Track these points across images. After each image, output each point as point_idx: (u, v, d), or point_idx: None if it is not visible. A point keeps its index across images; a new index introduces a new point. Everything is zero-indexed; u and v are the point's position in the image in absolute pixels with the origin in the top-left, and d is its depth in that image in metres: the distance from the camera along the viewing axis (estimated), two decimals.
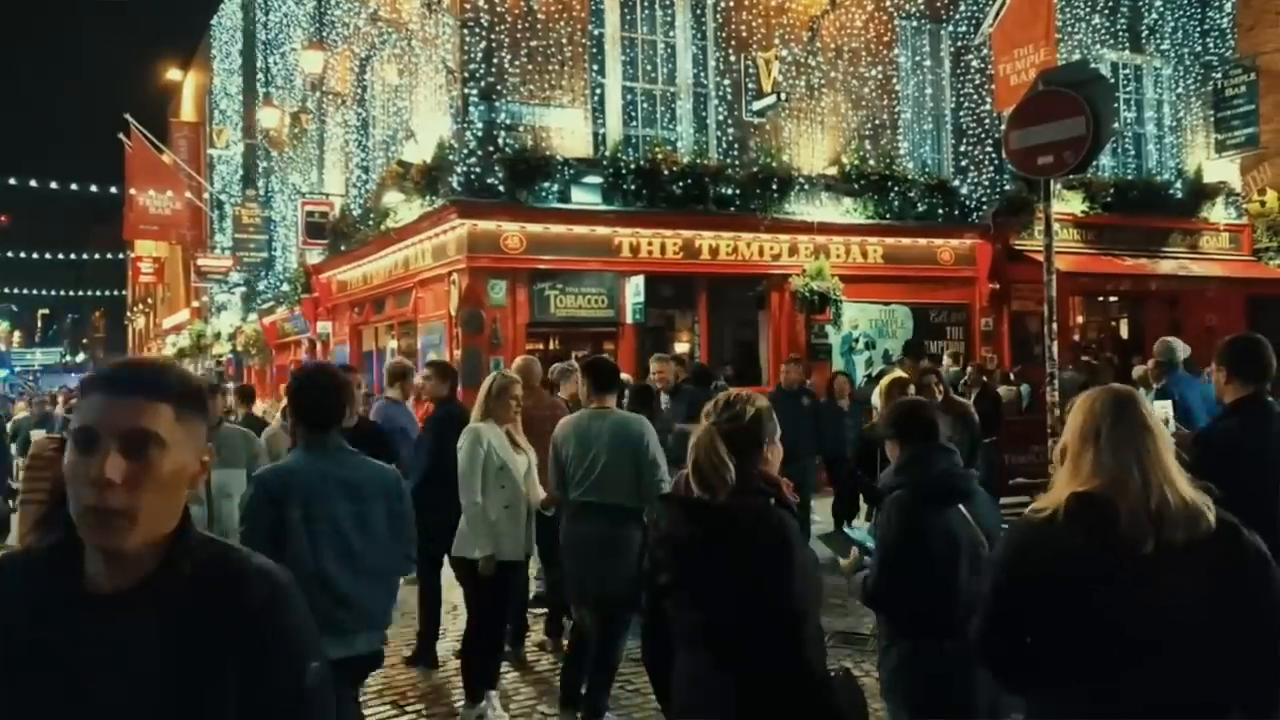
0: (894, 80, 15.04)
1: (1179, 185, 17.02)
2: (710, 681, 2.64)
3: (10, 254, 45.09)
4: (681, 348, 14.08)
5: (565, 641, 6.12)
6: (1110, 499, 2.23)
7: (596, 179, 12.91)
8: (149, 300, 46.44)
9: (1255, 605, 2.19)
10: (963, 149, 15.46)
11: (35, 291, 61.31)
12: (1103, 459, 2.27)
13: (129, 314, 54.00)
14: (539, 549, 5.80)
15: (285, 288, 20.85)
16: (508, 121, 12.62)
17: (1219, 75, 17.30)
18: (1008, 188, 15.36)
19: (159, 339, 41.23)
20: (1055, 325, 6.85)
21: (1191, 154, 17.27)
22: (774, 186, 13.84)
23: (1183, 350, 7.95)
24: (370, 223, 15.46)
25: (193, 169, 28.47)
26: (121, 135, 26.92)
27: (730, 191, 13.59)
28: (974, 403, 9.01)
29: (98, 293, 59.70)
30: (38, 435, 7.00)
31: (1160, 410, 5.95)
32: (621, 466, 4.98)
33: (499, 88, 12.60)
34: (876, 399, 11.93)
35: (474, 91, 12.49)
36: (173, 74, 34.94)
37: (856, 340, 14.80)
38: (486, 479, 5.23)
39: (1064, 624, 2.23)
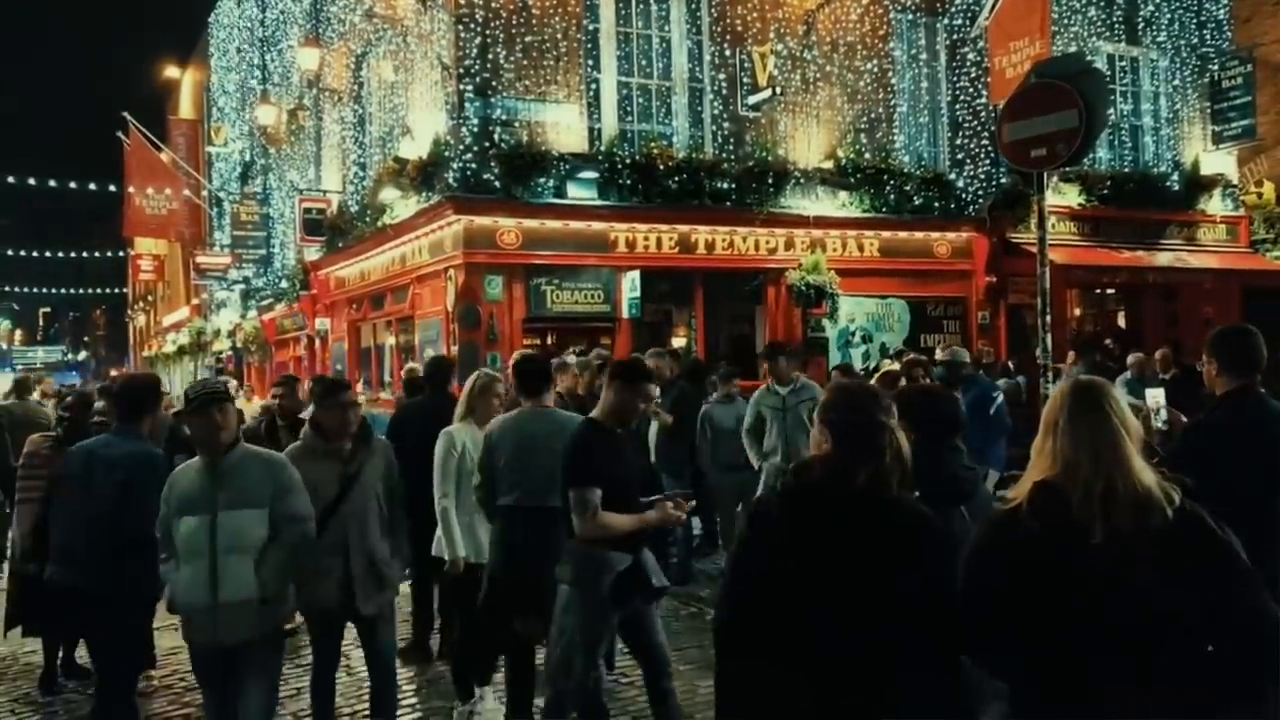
0: (890, 74, 15.04)
1: (1176, 177, 17.01)
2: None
3: (11, 252, 45.12)
4: (678, 342, 14.09)
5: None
6: (1062, 486, 2.25)
7: (592, 174, 12.91)
8: (149, 298, 46.48)
9: (1222, 601, 2.18)
10: (959, 142, 15.46)
11: (37, 290, 61.37)
12: (1059, 446, 2.30)
13: (129, 311, 54.03)
14: None
15: (284, 285, 20.87)
16: (503, 117, 12.63)
17: (1216, 67, 17.28)
18: (1004, 181, 15.36)
19: (159, 336, 41.26)
20: (1050, 318, 6.85)
21: (1188, 146, 17.26)
22: (770, 181, 13.84)
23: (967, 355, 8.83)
24: (367, 219, 15.47)
25: (191, 166, 28.49)
26: (120, 134, 26.97)
27: (726, 186, 13.59)
28: None
29: (98, 290, 59.77)
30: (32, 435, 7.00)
31: (1152, 401, 5.97)
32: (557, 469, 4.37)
33: (494, 83, 12.60)
34: None
35: (469, 87, 12.49)
36: (171, 71, 34.92)
37: (853, 334, 14.81)
38: (460, 481, 5.25)
39: (1029, 612, 2.25)
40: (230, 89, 27.26)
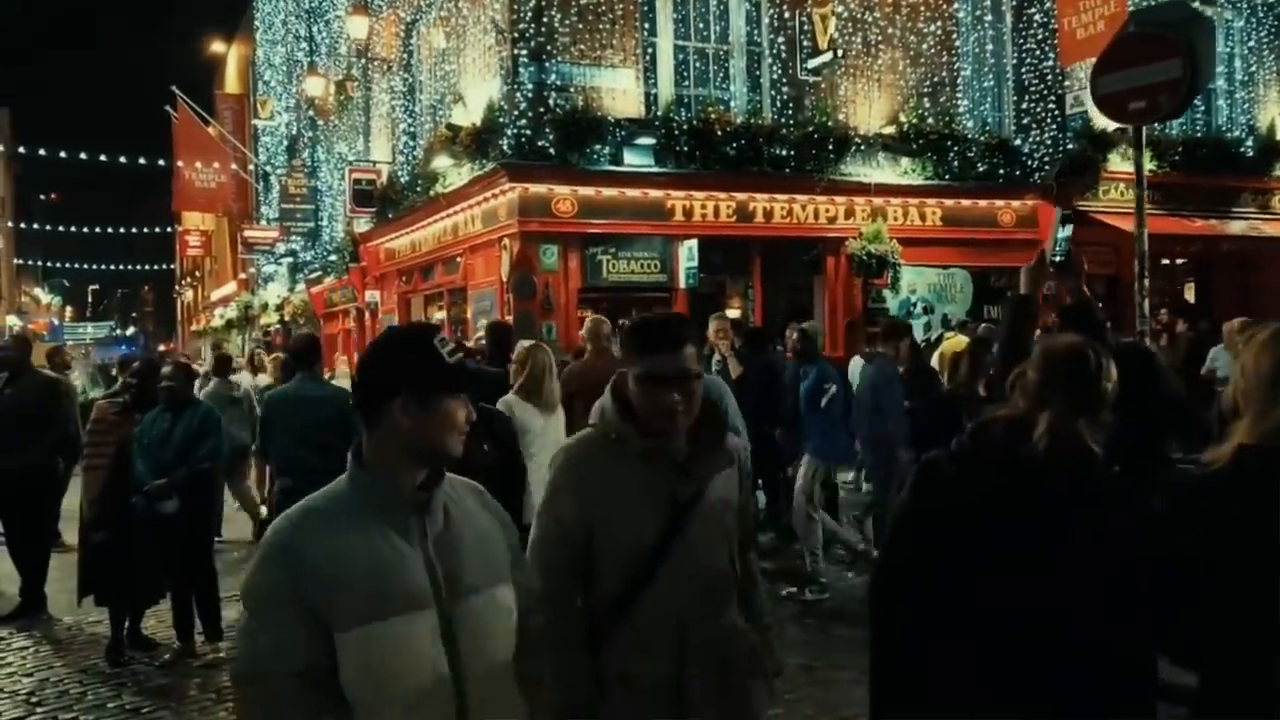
0: (954, 36, 14.55)
1: (1250, 142, 16.37)
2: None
3: (61, 228, 45.71)
4: (734, 314, 13.78)
5: None
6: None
7: (649, 140, 12.61)
8: (197, 273, 46.93)
9: None
10: (1024, 106, 14.94)
11: (86, 266, 62.22)
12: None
13: (177, 287, 54.65)
14: None
15: (333, 258, 20.80)
16: (558, 82, 12.35)
17: None
18: (1070, 147, 14.84)
19: (207, 311, 41.62)
20: (1147, 282, 6.44)
21: (1264, 110, 16.59)
22: (830, 147, 13.46)
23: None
24: (418, 189, 15.29)
25: (238, 140, 28.54)
26: (168, 108, 27.07)
27: (785, 152, 13.23)
28: None
29: (146, 267, 60.52)
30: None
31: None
32: None
33: (549, 48, 12.32)
34: (936, 363, 11.71)
35: (524, 52, 12.22)
36: (217, 46, 35.00)
37: (914, 305, 14.41)
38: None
39: (1235, 592, 1.97)
40: (276, 62, 27.19)
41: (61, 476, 7.49)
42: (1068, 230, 13.05)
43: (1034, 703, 2.06)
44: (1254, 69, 16.51)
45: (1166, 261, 17.12)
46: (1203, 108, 16.46)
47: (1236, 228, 15.74)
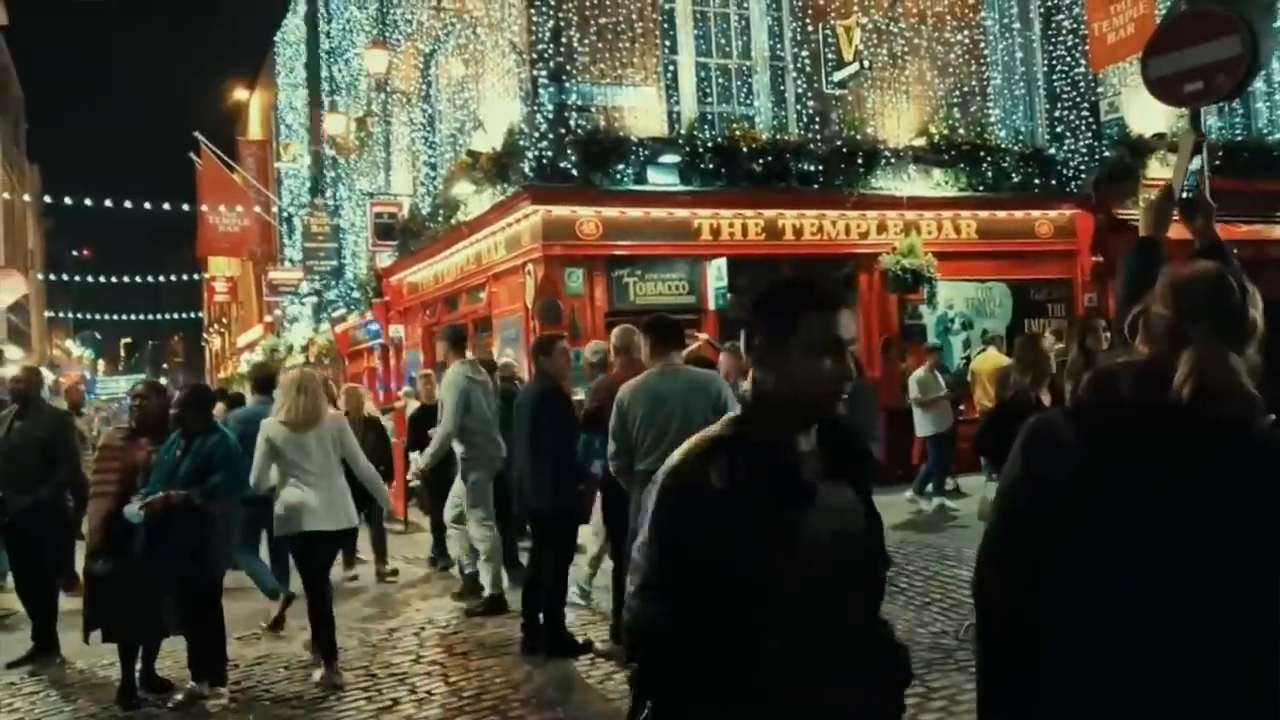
0: (981, 44, 14.21)
1: None
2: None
3: (91, 279, 46.13)
4: None
5: None
6: None
7: (673, 159, 12.32)
8: (224, 320, 47.16)
9: None
10: (1057, 114, 14.55)
11: (116, 317, 62.66)
12: None
13: (205, 335, 54.96)
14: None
15: (356, 295, 20.64)
16: (579, 102, 12.11)
17: None
18: (1108, 154, 14.42)
19: (234, 357, 41.70)
20: None
21: None
22: (859, 160, 13.11)
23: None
24: (440, 219, 15.07)
25: (261, 185, 28.63)
26: (192, 154, 27.21)
27: (813, 168, 12.90)
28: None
29: (175, 315, 60.91)
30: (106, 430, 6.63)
31: None
32: (697, 427, 4.29)
33: (569, 68, 12.10)
34: (970, 381, 11.25)
35: (543, 72, 12.00)
36: (239, 94, 35.33)
37: (952, 321, 13.97)
38: None
39: None
40: (298, 105, 27.33)
41: (72, 516, 7.19)
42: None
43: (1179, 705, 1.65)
44: None
45: None
46: (1242, 110, 16.00)
47: None
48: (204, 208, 26.04)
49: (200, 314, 56.78)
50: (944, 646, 5.81)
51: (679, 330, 5.24)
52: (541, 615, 6.13)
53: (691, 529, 1.86)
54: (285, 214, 28.34)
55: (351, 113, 20.83)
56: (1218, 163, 14.98)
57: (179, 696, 5.46)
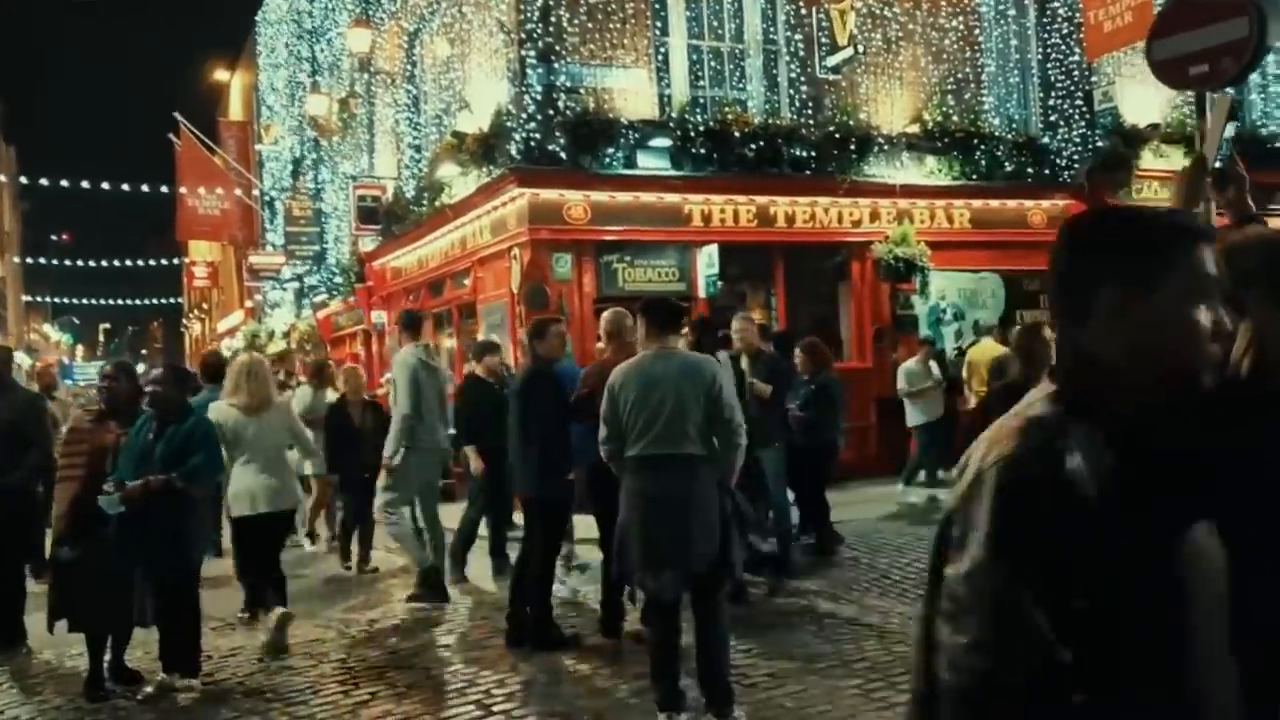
0: (976, 31, 14.03)
1: None
2: None
3: (69, 262, 45.54)
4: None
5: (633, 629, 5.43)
6: None
7: (664, 142, 12.08)
8: (204, 305, 46.62)
9: None
10: (1052, 103, 14.39)
11: (95, 301, 61.87)
12: None
13: (185, 320, 54.39)
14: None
15: (338, 280, 20.30)
16: (568, 84, 11.85)
17: None
18: (1101, 143, 14.27)
19: (215, 342, 41.21)
20: None
21: None
22: (852, 147, 12.91)
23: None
24: (424, 202, 14.79)
25: (242, 168, 28.18)
26: (171, 135, 26.74)
27: (805, 153, 12.69)
28: None
29: (155, 301, 60.17)
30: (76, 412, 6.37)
31: None
32: (691, 413, 4.44)
33: (558, 48, 11.83)
34: (965, 371, 11.09)
35: (531, 53, 11.73)
36: (220, 74, 34.79)
37: (944, 311, 13.80)
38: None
39: None
40: (279, 86, 26.86)
41: (41, 502, 6.92)
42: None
43: None
44: None
45: None
46: (1236, 102, 15.89)
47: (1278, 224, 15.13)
48: (183, 190, 25.59)
49: (180, 299, 56.10)
50: None
51: (678, 315, 5.03)
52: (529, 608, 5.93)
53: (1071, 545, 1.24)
54: (267, 197, 27.89)
55: (334, 94, 20.46)
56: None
57: (149, 689, 5.23)
